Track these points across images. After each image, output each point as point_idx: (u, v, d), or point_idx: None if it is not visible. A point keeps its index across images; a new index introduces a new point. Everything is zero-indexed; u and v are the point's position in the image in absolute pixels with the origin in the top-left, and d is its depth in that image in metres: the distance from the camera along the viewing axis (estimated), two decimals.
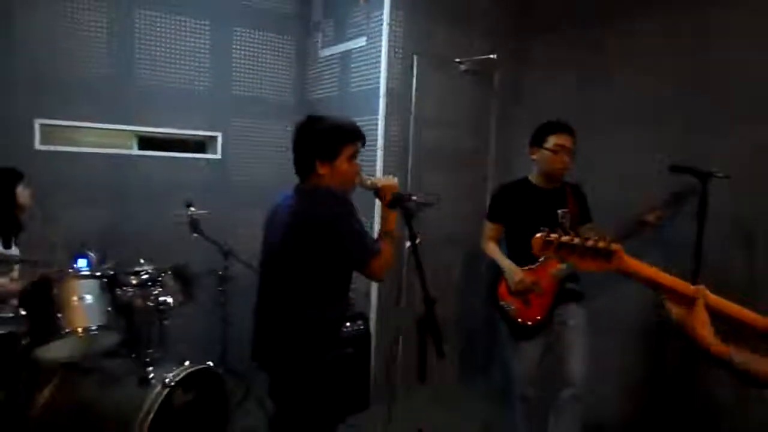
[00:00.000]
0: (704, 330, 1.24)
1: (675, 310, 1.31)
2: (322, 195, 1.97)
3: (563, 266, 2.68)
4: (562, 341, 2.80)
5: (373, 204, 2.12)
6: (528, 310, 2.77)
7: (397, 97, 3.59)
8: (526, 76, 4.01)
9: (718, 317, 1.27)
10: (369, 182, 2.09)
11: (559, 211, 2.79)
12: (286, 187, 2.15)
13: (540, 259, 2.71)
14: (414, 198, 2.12)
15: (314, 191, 2.00)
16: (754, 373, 1.22)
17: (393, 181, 2.11)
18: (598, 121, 3.34)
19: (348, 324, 3.52)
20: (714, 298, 1.28)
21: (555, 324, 2.81)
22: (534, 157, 2.83)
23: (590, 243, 1.24)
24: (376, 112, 3.59)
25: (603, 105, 3.40)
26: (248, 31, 4.06)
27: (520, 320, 2.79)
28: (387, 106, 3.56)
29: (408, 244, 2.02)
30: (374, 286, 3.65)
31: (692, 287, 1.29)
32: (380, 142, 3.58)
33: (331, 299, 2.00)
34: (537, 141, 2.81)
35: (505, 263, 2.83)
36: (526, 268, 2.77)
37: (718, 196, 2.52)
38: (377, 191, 2.09)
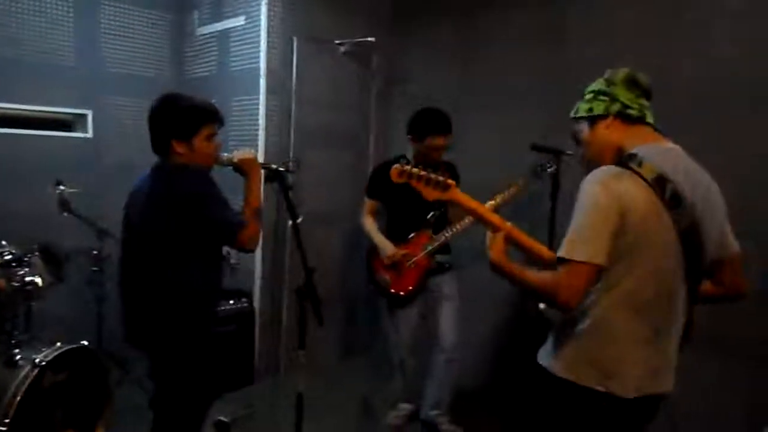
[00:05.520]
0: (497, 253, 1.54)
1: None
2: (183, 173, 1.98)
3: (434, 240, 2.90)
4: (436, 310, 3.06)
5: (239, 181, 2.15)
6: (400, 281, 2.98)
7: (277, 78, 3.64)
8: (404, 57, 4.19)
9: (517, 247, 1.60)
10: (225, 158, 2.11)
11: None
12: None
13: (410, 236, 2.95)
14: (274, 167, 2.17)
15: (175, 169, 2.00)
16: (527, 280, 1.50)
17: (250, 153, 2.14)
18: (468, 103, 3.60)
19: (231, 302, 3.57)
20: (515, 231, 1.59)
21: (429, 294, 3.06)
22: (411, 144, 2.98)
23: (433, 176, 1.59)
24: (257, 92, 3.62)
25: (474, 88, 3.67)
26: (116, 4, 3.88)
27: (393, 291, 3.00)
28: (267, 86, 3.60)
29: (290, 222, 2.08)
30: (257, 265, 3.70)
31: (503, 222, 1.60)
32: (261, 122, 3.62)
33: (199, 271, 2.02)
34: (415, 135, 2.93)
35: (378, 238, 3.01)
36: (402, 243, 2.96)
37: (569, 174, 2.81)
38: (236, 166, 2.12)
